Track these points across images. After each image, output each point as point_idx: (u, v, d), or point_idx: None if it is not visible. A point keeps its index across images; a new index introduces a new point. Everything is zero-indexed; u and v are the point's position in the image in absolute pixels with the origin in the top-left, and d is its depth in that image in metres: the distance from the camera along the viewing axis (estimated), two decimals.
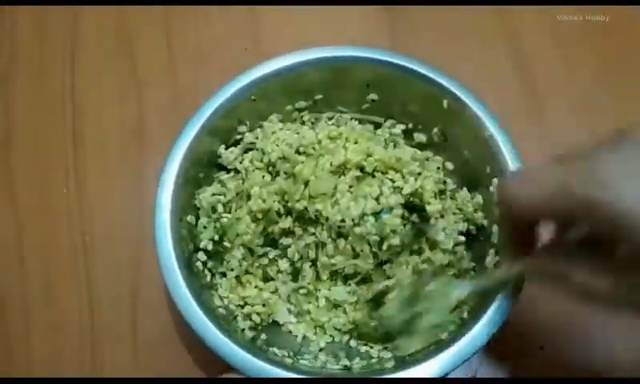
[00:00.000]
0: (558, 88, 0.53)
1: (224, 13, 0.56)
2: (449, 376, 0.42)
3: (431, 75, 0.42)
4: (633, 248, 0.25)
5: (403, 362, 0.35)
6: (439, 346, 0.35)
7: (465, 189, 0.43)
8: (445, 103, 0.42)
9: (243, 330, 0.39)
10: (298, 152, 0.42)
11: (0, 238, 0.47)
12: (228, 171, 0.44)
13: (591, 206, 0.25)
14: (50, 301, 0.45)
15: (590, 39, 0.55)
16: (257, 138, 0.44)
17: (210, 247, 0.40)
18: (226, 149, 0.43)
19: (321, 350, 0.40)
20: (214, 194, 0.42)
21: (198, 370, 0.42)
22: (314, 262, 0.41)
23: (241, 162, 0.43)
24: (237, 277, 0.41)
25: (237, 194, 0.42)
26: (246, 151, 0.44)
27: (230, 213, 0.41)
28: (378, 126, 0.46)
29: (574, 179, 0.25)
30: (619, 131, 0.26)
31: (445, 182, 0.44)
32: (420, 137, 0.45)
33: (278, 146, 0.42)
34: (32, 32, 0.56)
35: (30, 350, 0.43)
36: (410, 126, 0.45)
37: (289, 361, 0.37)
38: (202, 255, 0.40)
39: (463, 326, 0.35)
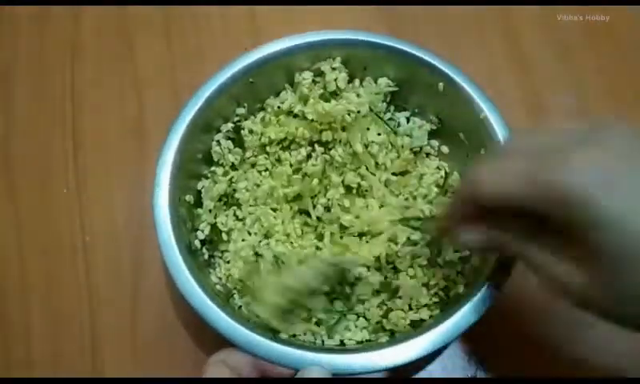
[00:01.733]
0: (557, 88, 0.53)
1: (224, 13, 0.56)
2: (449, 376, 0.42)
3: (427, 58, 0.42)
4: (596, 238, 0.25)
5: (396, 339, 0.36)
6: (432, 323, 0.35)
7: (459, 172, 0.44)
8: (440, 86, 0.42)
9: (240, 306, 0.39)
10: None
11: (0, 237, 0.47)
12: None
13: (559, 197, 0.25)
14: (50, 301, 0.45)
15: (590, 39, 0.55)
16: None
17: (207, 231, 0.41)
18: (218, 140, 0.44)
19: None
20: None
21: (198, 370, 0.42)
22: None
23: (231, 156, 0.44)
24: (231, 261, 0.42)
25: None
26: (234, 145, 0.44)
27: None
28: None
29: (543, 169, 0.26)
30: (593, 122, 0.27)
31: (445, 174, 0.44)
32: (419, 122, 0.46)
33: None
34: (32, 32, 0.56)
35: (30, 350, 0.43)
36: (408, 113, 0.46)
37: (284, 336, 0.37)
38: (200, 234, 0.41)
39: (455, 303, 0.36)
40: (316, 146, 0.44)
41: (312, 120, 0.44)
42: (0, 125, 0.51)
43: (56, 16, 0.56)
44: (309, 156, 0.44)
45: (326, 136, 0.44)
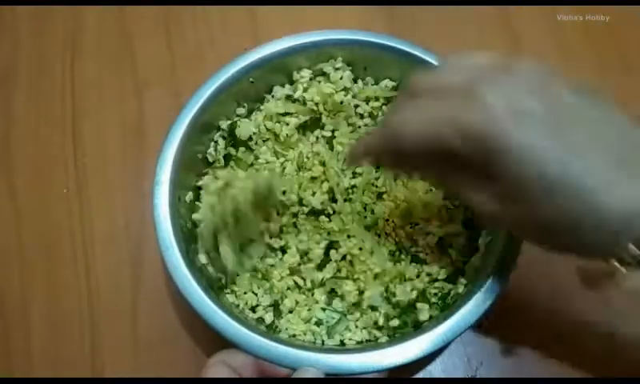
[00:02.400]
0: None
1: (223, 13, 0.56)
2: (449, 376, 0.42)
3: (427, 58, 0.42)
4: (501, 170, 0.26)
5: (396, 339, 0.36)
6: (432, 323, 0.35)
7: None
8: None
9: (238, 305, 0.39)
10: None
11: (0, 237, 0.47)
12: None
13: (476, 135, 0.26)
14: (49, 301, 0.45)
15: (590, 39, 0.55)
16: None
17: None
18: (216, 140, 0.44)
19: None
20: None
21: (198, 370, 0.42)
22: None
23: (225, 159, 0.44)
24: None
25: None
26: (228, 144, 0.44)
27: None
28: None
29: (459, 110, 0.27)
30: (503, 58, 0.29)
31: None
32: None
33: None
34: (32, 32, 0.56)
35: (30, 350, 0.43)
36: None
37: (284, 336, 0.38)
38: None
39: (455, 304, 0.36)
40: (317, 132, 0.45)
41: (315, 104, 0.44)
42: (0, 125, 0.51)
43: (56, 16, 0.56)
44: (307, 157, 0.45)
45: (326, 121, 0.45)
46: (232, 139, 0.44)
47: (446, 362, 0.42)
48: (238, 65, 0.42)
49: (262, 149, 0.45)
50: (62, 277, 0.45)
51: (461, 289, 0.38)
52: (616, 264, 0.27)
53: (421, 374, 0.42)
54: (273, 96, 0.45)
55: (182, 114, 0.41)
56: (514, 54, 0.54)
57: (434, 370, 0.42)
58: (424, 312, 0.38)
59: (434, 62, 0.42)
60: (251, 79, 0.43)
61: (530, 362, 0.42)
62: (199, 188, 0.42)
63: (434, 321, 0.35)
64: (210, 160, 0.44)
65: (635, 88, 0.52)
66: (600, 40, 0.55)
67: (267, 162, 0.44)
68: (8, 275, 0.45)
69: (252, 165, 0.45)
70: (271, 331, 0.38)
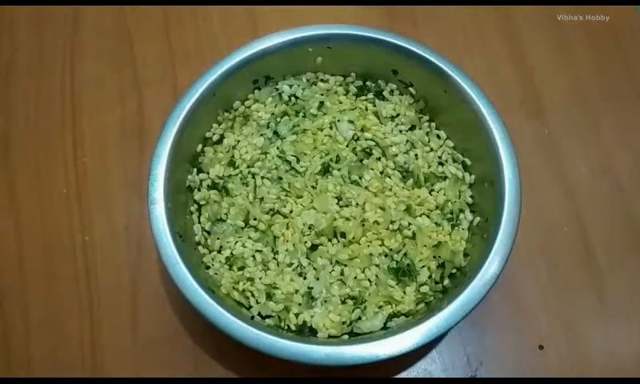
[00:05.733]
0: (557, 87, 0.53)
1: (223, 13, 0.56)
2: (449, 376, 0.42)
3: (427, 56, 0.43)
4: None
5: (389, 331, 0.37)
6: (425, 316, 0.35)
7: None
8: (440, 86, 0.42)
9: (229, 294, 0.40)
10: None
11: (0, 237, 0.47)
12: None
13: None
14: (49, 301, 0.45)
15: (590, 39, 0.55)
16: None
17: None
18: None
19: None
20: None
21: (198, 370, 0.42)
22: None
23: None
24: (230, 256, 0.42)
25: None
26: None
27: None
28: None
29: None
30: None
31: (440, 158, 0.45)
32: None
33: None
34: (32, 32, 0.56)
35: (30, 350, 0.43)
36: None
37: (282, 331, 0.38)
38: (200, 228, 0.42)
39: (449, 295, 0.36)
40: None
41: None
42: (0, 125, 0.51)
43: (56, 16, 0.56)
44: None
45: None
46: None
47: (446, 362, 0.42)
48: (233, 60, 0.42)
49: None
50: (61, 277, 0.45)
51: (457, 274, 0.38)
52: None
53: (421, 374, 0.42)
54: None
55: (175, 111, 0.41)
56: (514, 54, 0.54)
57: (434, 370, 0.42)
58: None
59: (433, 60, 0.42)
60: (248, 74, 0.44)
61: (530, 362, 0.42)
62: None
63: (428, 313, 0.36)
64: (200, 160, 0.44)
65: (635, 87, 0.52)
66: (600, 40, 0.55)
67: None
68: (8, 275, 0.45)
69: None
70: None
